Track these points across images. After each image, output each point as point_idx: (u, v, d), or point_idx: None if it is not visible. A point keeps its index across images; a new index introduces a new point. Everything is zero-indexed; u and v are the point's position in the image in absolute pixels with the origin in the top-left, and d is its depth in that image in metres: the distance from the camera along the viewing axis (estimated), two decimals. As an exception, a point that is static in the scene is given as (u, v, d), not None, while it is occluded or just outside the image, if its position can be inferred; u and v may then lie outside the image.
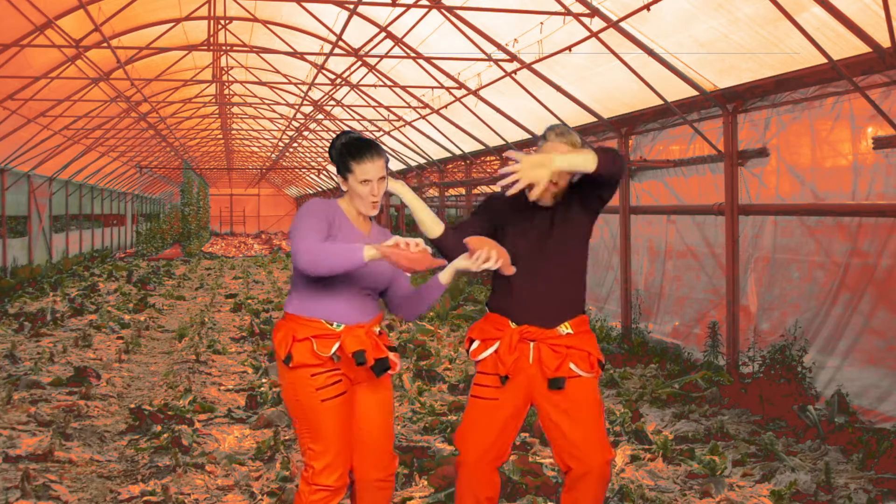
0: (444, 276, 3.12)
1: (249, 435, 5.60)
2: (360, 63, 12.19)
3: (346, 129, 3.11)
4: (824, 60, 5.59)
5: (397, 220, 22.89)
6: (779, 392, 6.22)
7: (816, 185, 6.48)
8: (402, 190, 3.19)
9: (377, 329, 3.13)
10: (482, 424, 3.13)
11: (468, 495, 3.16)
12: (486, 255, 2.91)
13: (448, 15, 8.66)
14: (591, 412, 3.10)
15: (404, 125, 15.36)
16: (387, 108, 14.18)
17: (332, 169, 14.50)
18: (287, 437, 5.41)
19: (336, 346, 3.00)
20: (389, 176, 3.13)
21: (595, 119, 9.26)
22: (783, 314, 6.80)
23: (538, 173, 2.84)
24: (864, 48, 5.35)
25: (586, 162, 2.84)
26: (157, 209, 39.30)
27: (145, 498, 4.34)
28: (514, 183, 2.84)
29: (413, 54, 10.63)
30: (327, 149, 3.18)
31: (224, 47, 12.91)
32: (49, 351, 8.47)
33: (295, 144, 24.53)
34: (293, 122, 19.33)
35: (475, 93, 10.96)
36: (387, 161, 3.11)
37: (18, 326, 10.21)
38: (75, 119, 14.80)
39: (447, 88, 11.46)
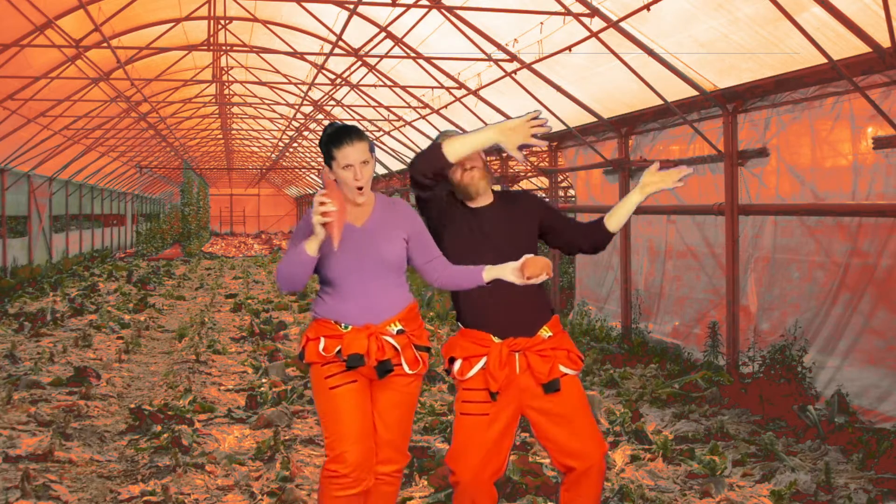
0: (488, 274, 2.99)
1: (249, 435, 5.60)
2: (360, 63, 12.19)
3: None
4: (824, 60, 5.59)
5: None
6: (779, 392, 6.22)
7: (816, 185, 6.47)
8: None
9: (394, 328, 3.09)
10: (475, 442, 3.08)
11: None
12: (537, 276, 2.89)
13: (448, 15, 8.66)
14: (582, 409, 3.13)
15: (404, 125, 15.36)
16: (387, 108, 14.18)
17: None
18: (287, 437, 5.41)
19: (338, 347, 3.06)
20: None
21: (595, 119, 9.26)
22: (783, 314, 6.80)
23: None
24: (864, 48, 5.34)
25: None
26: (157, 209, 39.30)
27: (145, 498, 4.34)
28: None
29: (413, 54, 10.63)
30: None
31: (224, 47, 12.91)
32: (49, 351, 8.47)
33: (295, 144, 24.53)
34: (293, 122, 19.33)
35: (475, 93, 10.96)
36: (371, 147, 3.07)
37: (18, 326, 10.21)
38: (75, 119, 14.80)
39: (447, 88, 11.45)
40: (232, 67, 15.62)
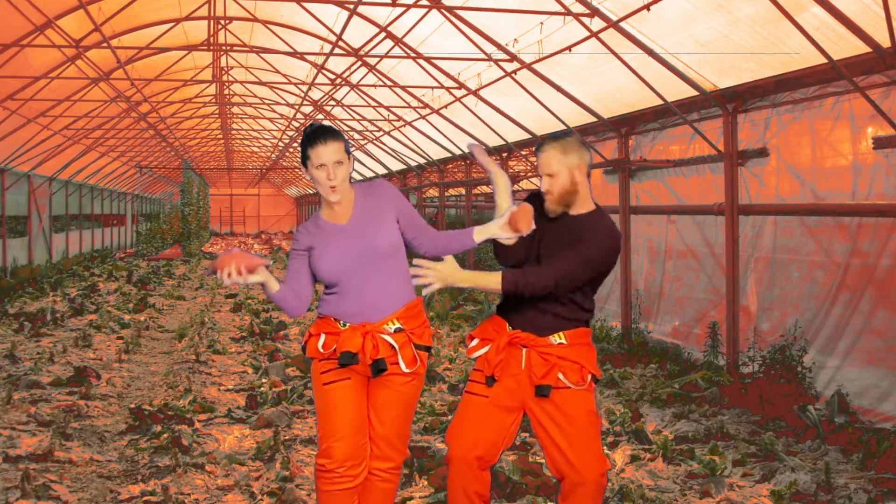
0: (478, 237, 3.13)
1: (249, 435, 5.60)
2: (360, 63, 12.19)
3: (342, 128, 3.16)
4: (824, 60, 5.59)
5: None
6: (779, 392, 6.22)
7: (816, 185, 6.47)
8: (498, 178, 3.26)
9: (392, 326, 3.10)
10: (471, 419, 3.13)
11: (458, 491, 3.15)
12: (527, 227, 3.00)
13: (448, 15, 8.66)
14: (583, 426, 3.05)
15: (404, 125, 15.36)
16: (387, 108, 14.18)
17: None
18: (287, 437, 5.41)
19: (335, 346, 3.12)
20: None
21: (595, 119, 9.26)
22: (783, 314, 6.80)
23: (447, 281, 3.08)
24: (864, 48, 5.34)
25: (489, 288, 3.12)
26: (157, 209, 39.29)
27: (145, 498, 4.34)
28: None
29: (413, 54, 10.63)
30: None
31: (224, 47, 12.90)
32: (49, 351, 8.47)
33: (295, 144, 24.52)
34: (293, 122, 19.33)
35: (475, 93, 10.96)
36: (346, 146, 3.09)
37: (18, 326, 10.20)
38: (75, 119, 14.80)
39: (447, 88, 11.45)
40: (232, 67, 15.61)
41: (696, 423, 6.00)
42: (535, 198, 3.20)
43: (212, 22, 11.60)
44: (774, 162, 6.92)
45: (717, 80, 7.10)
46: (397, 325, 3.12)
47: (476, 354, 3.20)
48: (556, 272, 3.00)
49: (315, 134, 3.07)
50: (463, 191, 17.75)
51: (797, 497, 4.45)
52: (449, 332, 10.04)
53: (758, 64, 6.54)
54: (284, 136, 23.00)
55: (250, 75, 15.94)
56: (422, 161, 17.59)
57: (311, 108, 17.18)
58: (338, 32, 10.06)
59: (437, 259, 3.16)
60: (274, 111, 19.58)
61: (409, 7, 8.66)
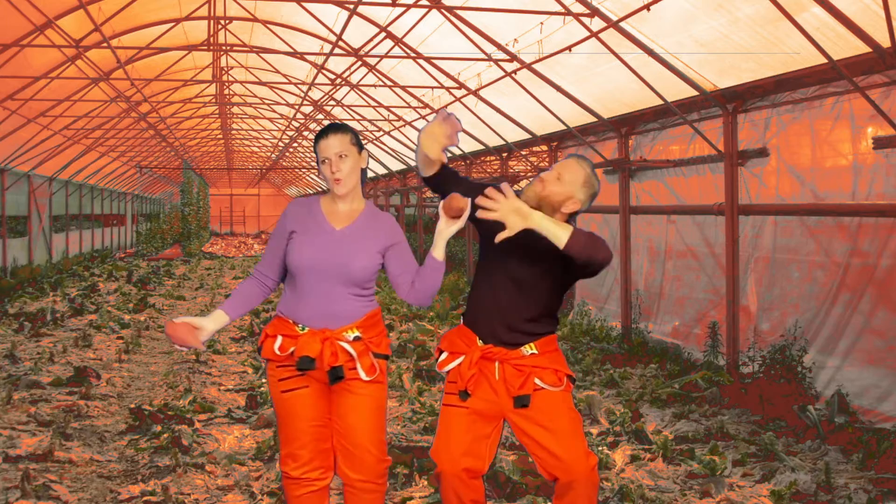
0: (437, 252, 3.05)
1: (249, 435, 5.60)
2: (360, 63, 12.19)
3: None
4: (824, 60, 5.59)
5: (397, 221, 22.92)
6: (779, 392, 6.22)
7: (816, 185, 6.47)
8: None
9: (351, 334, 3.08)
10: (454, 432, 3.07)
11: (453, 499, 3.13)
12: (459, 211, 2.95)
13: (448, 15, 8.66)
14: (565, 421, 3.04)
15: (404, 125, 15.36)
16: (387, 108, 14.18)
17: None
18: (287, 437, 5.40)
19: (292, 348, 3.09)
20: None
21: (595, 119, 9.26)
22: (783, 314, 6.80)
23: (513, 220, 2.82)
24: (864, 48, 5.34)
25: (558, 237, 2.80)
26: (157, 209, 39.29)
27: (145, 498, 4.34)
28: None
29: (413, 54, 10.63)
30: None
31: (224, 47, 12.90)
32: (49, 351, 8.47)
33: (295, 144, 24.53)
34: (293, 122, 19.33)
35: (475, 93, 10.96)
36: (354, 139, 3.09)
37: (18, 326, 10.20)
38: (75, 119, 14.79)
39: (447, 88, 11.45)
40: (232, 67, 15.61)
41: (696, 423, 6.00)
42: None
43: (212, 22, 11.60)
44: (774, 162, 6.92)
45: (717, 80, 7.10)
46: (356, 333, 3.09)
47: (447, 368, 3.14)
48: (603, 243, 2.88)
49: (324, 130, 3.09)
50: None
51: (797, 497, 4.45)
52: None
53: (758, 64, 6.54)
54: (284, 136, 22.99)
55: (250, 75, 15.94)
56: (422, 161, 17.55)
57: (311, 108, 17.17)
58: (338, 32, 10.06)
59: (420, 303, 3.16)
60: (274, 111, 19.58)
61: (409, 7, 8.66)
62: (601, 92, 8.83)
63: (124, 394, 7.00)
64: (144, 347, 9.23)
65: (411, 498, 4.31)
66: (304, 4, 10.02)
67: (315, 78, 12.79)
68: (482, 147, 13.66)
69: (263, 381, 7.19)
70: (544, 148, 12.04)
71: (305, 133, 21.20)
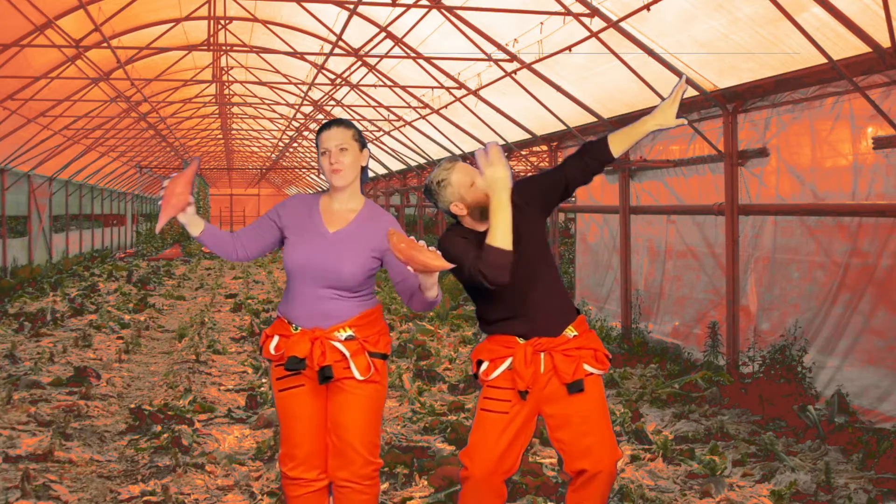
0: (430, 294, 3.03)
1: (249, 435, 5.60)
2: (360, 63, 12.19)
3: None
4: (824, 60, 5.59)
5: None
6: (779, 392, 6.22)
7: (816, 185, 6.47)
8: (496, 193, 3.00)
9: (343, 334, 3.06)
10: (492, 438, 3.07)
11: (473, 501, 3.13)
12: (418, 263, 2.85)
13: (448, 15, 8.66)
14: (602, 413, 3.11)
15: (404, 125, 15.36)
16: (387, 108, 14.18)
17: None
18: (287, 437, 5.40)
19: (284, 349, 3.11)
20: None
21: (595, 119, 9.26)
22: (783, 314, 6.80)
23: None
24: (864, 48, 5.34)
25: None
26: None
27: (145, 498, 4.34)
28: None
29: (413, 54, 10.63)
30: None
31: (224, 47, 12.90)
32: (49, 351, 8.47)
33: (295, 144, 24.52)
34: (293, 122, 19.33)
35: (475, 93, 10.96)
36: (356, 135, 3.09)
37: (18, 326, 10.20)
38: (75, 119, 14.79)
39: (447, 88, 11.45)
40: (232, 67, 15.61)
41: (696, 423, 6.00)
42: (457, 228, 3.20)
43: (212, 22, 11.59)
44: (774, 162, 6.92)
45: (717, 80, 7.10)
46: (349, 332, 3.08)
47: (494, 374, 3.11)
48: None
49: (326, 124, 3.10)
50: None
51: (797, 497, 4.45)
52: (449, 332, 10.04)
53: (758, 64, 6.54)
54: (284, 136, 22.99)
55: (250, 75, 15.94)
56: (422, 161, 17.58)
57: (311, 108, 17.17)
58: (338, 32, 10.06)
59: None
60: (274, 111, 19.58)
61: (409, 7, 8.66)
62: (601, 92, 8.83)
63: (124, 394, 7.00)
64: (144, 347, 9.23)
65: (411, 498, 4.31)
66: (304, 4, 10.02)
67: (315, 78, 12.79)
68: (482, 147, 13.63)
69: (264, 381, 7.20)
70: (544, 148, 12.03)
71: (305, 133, 21.21)
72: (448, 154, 15.55)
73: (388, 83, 12.65)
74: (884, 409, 5.65)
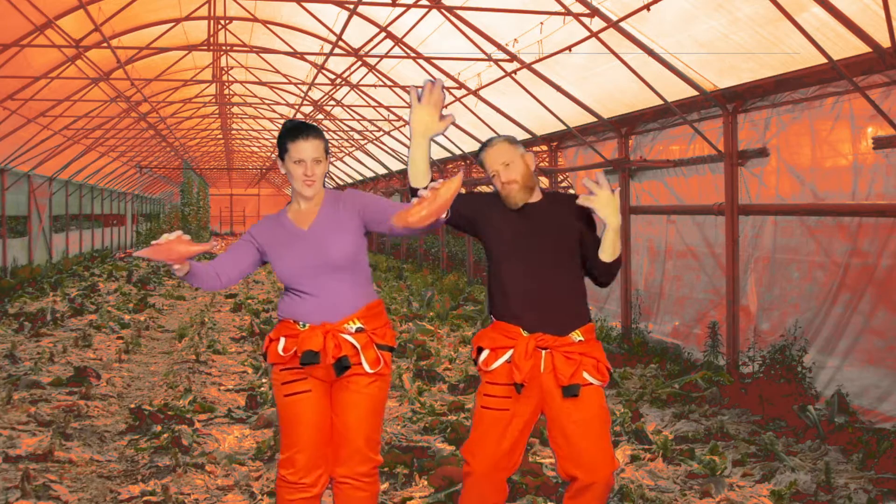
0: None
1: (249, 435, 5.60)
2: (360, 63, 12.19)
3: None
4: (824, 60, 5.59)
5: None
6: (779, 392, 6.22)
7: (816, 185, 6.47)
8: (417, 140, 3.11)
9: (353, 326, 3.08)
10: (493, 435, 3.05)
11: (475, 498, 3.12)
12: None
13: (448, 15, 8.66)
14: (600, 424, 3.06)
15: (404, 125, 15.36)
16: (387, 108, 14.18)
17: (333, 169, 14.62)
18: (287, 437, 5.40)
19: (296, 348, 3.08)
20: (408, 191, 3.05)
21: (595, 119, 9.26)
22: (783, 314, 6.80)
23: (606, 213, 3.00)
24: (864, 48, 5.34)
25: (616, 249, 3.15)
26: (157, 209, 39.30)
27: (145, 498, 4.34)
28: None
29: (413, 54, 10.63)
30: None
31: (224, 47, 12.90)
32: (49, 351, 8.47)
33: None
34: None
35: (475, 93, 10.96)
36: (326, 145, 3.10)
37: (18, 326, 10.21)
38: (75, 119, 14.79)
39: (447, 88, 11.45)
40: (232, 67, 15.61)
41: (696, 423, 6.00)
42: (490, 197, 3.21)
43: (212, 22, 11.60)
44: (774, 162, 6.92)
45: (717, 80, 7.11)
46: (358, 324, 3.09)
47: (494, 365, 3.09)
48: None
49: (298, 129, 3.07)
50: (463, 191, 17.74)
51: (797, 497, 4.45)
52: (449, 332, 10.04)
53: (758, 64, 6.54)
54: (284, 136, 22.96)
55: (250, 75, 15.94)
56: (422, 161, 17.57)
57: (311, 108, 17.18)
58: (338, 32, 10.06)
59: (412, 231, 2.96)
60: (274, 111, 19.58)
61: (409, 7, 8.66)
62: (601, 92, 8.83)
63: (124, 394, 7.00)
64: (144, 347, 9.23)
65: (411, 498, 4.31)
66: (304, 4, 10.02)
67: (315, 78, 12.80)
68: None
69: (264, 381, 7.20)
70: (544, 148, 12.04)
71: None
72: (448, 154, 15.57)
73: (388, 83, 12.65)
74: (884, 409, 5.65)
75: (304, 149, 3.04)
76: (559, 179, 13.83)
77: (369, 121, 16.12)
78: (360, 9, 9.59)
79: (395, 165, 20.03)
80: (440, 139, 14.67)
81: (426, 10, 8.76)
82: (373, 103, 14.31)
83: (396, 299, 13.01)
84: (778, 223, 6.88)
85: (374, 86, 12.87)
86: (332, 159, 25.57)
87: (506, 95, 10.57)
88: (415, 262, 20.21)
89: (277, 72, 14.77)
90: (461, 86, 11.07)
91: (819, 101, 6.33)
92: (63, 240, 20.16)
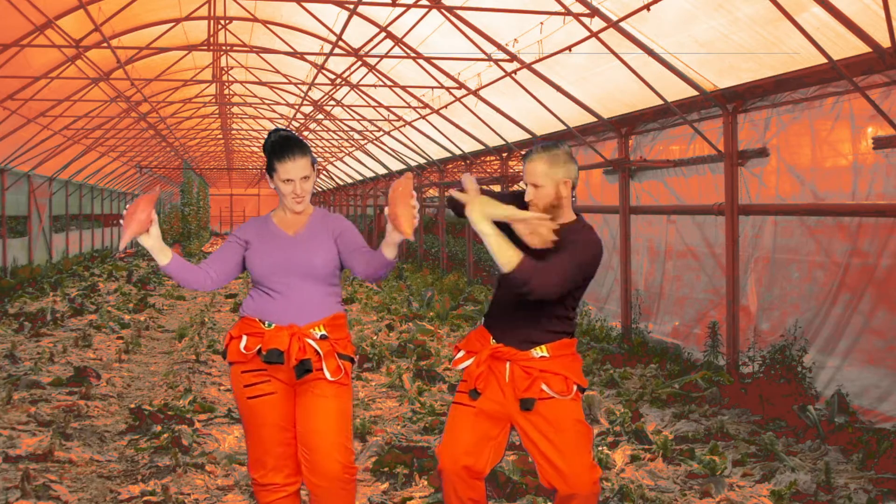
0: (388, 252, 2.94)
1: (249, 435, 5.59)
2: (360, 63, 12.19)
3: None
4: (824, 60, 5.59)
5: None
6: (779, 392, 6.22)
7: (816, 185, 6.48)
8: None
9: (318, 332, 3.10)
10: (458, 429, 3.10)
11: (452, 496, 3.14)
12: (396, 217, 2.82)
13: (448, 15, 8.66)
14: (572, 435, 3.02)
15: (404, 125, 15.36)
16: (387, 108, 14.18)
17: (333, 169, 14.63)
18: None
19: (259, 346, 3.08)
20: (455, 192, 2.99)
21: (595, 119, 9.26)
22: (783, 314, 6.80)
23: (475, 216, 2.91)
24: (864, 48, 5.35)
25: (504, 252, 2.86)
26: (158, 209, 39.24)
27: (145, 498, 4.34)
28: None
29: (413, 54, 10.63)
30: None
31: (224, 47, 12.90)
32: (49, 351, 8.46)
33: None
34: (293, 122, 19.33)
35: (475, 93, 10.96)
36: (313, 160, 3.12)
37: (18, 326, 10.21)
38: (75, 119, 14.80)
39: (447, 88, 11.45)
40: (232, 67, 15.61)
41: (696, 423, 6.00)
42: (515, 197, 3.18)
43: (212, 22, 11.60)
44: (774, 162, 6.92)
45: (717, 80, 7.11)
46: (323, 331, 3.11)
47: (461, 366, 3.19)
48: (560, 276, 2.88)
49: (285, 149, 3.05)
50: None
51: (797, 497, 4.45)
52: (449, 332, 10.04)
53: (758, 64, 6.54)
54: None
55: (250, 75, 15.94)
56: (422, 161, 17.59)
57: (311, 108, 17.18)
58: (338, 32, 10.06)
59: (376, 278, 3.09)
60: (274, 111, 19.58)
61: (409, 7, 8.66)
62: (601, 92, 8.83)
63: (124, 394, 7.00)
64: (144, 347, 9.23)
65: (411, 498, 4.31)
66: (304, 4, 10.02)
67: (315, 78, 12.79)
68: (482, 147, 13.66)
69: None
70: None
71: (305, 133, 21.21)
72: (448, 155, 15.57)
73: (388, 83, 12.65)
74: (884, 409, 5.65)
75: (291, 170, 3.06)
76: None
77: (369, 121, 16.12)
78: (360, 9, 9.59)
79: (395, 165, 20.02)
80: (440, 139, 14.67)
81: (426, 10, 8.76)
82: (373, 103, 14.31)
83: (396, 299, 13.01)
84: (778, 223, 6.88)
85: (374, 86, 12.86)
86: (332, 159, 25.61)
87: (506, 95, 10.57)
88: (415, 262, 20.21)
89: (277, 72, 14.76)
90: (461, 86, 11.07)
91: (819, 101, 6.33)
92: (63, 240, 20.16)
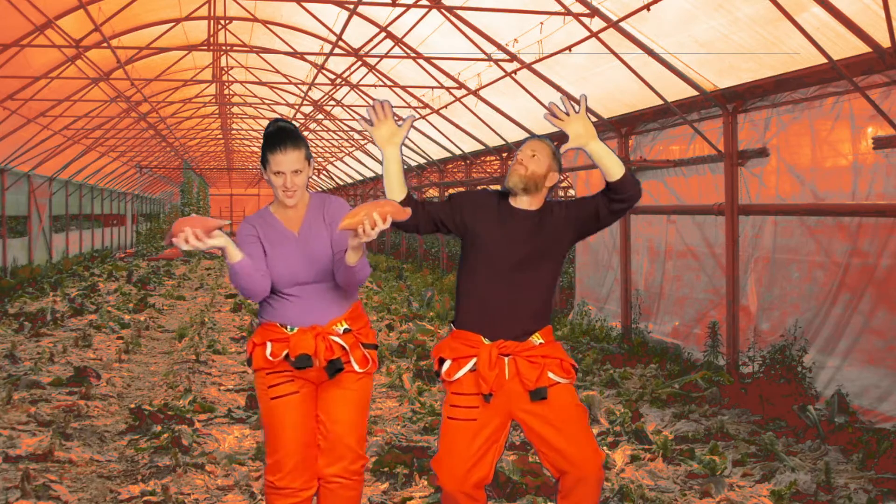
0: (350, 258, 2.91)
1: (249, 435, 5.60)
2: (360, 63, 12.19)
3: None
4: (824, 60, 5.59)
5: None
6: (779, 392, 6.22)
7: (816, 185, 6.48)
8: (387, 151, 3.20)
9: (341, 327, 3.09)
10: (460, 448, 3.00)
11: None
12: (366, 225, 2.73)
13: (448, 15, 8.66)
14: (575, 418, 3.04)
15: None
16: (387, 108, 14.16)
17: (333, 169, 14.64)
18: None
19: (286, 351, 3.06)
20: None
21: (595, 119, 9.26)
22: (783, 314, 6.80)
23: (578, 134, 3.02)
24: (864, 48, 5.35)
25: (615, 163, 3.00)
26: (157, 209, 39.29)
27: (145, 498, 4.34)
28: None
29: (413, 54, 10.63)
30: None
31: (224, 47, 12.91)
32: (49, 351, 8.46)
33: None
34: (293, 123, 19.33)
35: (475, 93, 10.96)
36: (307, 154, 3.06)
37: (18, 326, 10.21)
38: (75, 119, 14.80)
39: (447, 88, 11.46)
40: (232, 67, 15.62)
41: (696, 423, 6.00)
42: (491, 194, 3.19)
43: (212, 22, 11.60)
44: (774, 162, 6.92)
45: (717, 80, 7.11)
46: (345, 326, 3.10)
47: (457, 375, 3.05)
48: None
49: (276, 140, 3.01)
50: (463, 190, 17.74)
51: (797, 497, 4.45)
52: (448, 331, 10.03)
53: (758, 64, 6.54)
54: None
55: (250, 75, 15.95)
56: (422, 161, 17.59)
57: (311, 108, 17.18)
58: (338, 32, 10.07)
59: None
60: (274, 111, 19.58)
61: (409, 7, 8.67)
62: (601, 92, 8.83)
63: (124, 394, 7.00)
64: (144, 347, 9.23)
65: (411, 498, 4.31)
66: (304, 4, 10.02)
67: (315, 78, 12.80)
68: (482, 147, 13.66)
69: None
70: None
71: (305, 133, 21.22)
72: (448, 154, 15.57)
73: (388, 83, 12.65)
74: (884, 409, 5.65)
75: (282, 162, 2.99)
76: (559, 179, 13.82)
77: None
78: (360, 9, 9.59)
79: (395, 165, 19.99)
80: (440, 139, 14.67)
81: (426, 10, 8.76)
82: (373, 103, 14.29)
83: (396, 299, 13.01)
84: (778, 223, 6.88)
85: (374, 86, 12.86)
86: (332, 159, 25.59)
87: (506, 95, 10.57)
88: (415, 262, 20.20)
89: (277, 72, 14.77)
90: (461, 86, 11.07)
91: (819, 101, 6.33)
92: (63, 240, 20.16)
